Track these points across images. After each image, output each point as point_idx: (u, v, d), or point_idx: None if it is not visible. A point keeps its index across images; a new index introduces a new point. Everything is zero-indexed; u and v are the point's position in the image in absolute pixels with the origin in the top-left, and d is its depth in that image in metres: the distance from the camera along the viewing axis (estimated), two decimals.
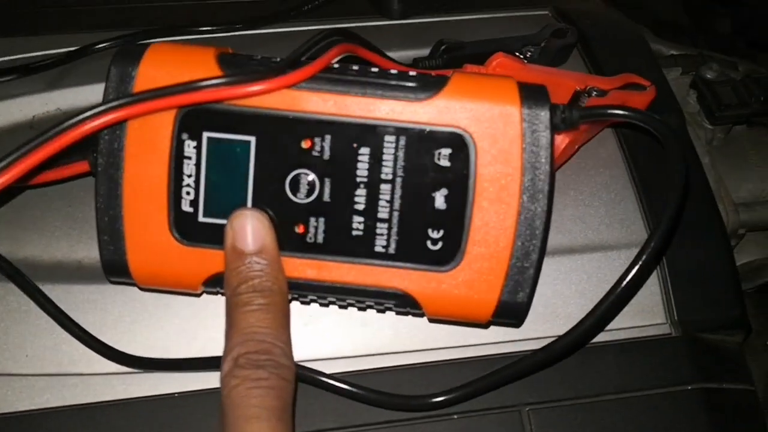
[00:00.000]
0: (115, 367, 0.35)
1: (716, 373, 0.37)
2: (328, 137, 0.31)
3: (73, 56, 0.44)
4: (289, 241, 0.31)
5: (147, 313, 0.36)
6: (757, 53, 0.64)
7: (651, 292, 0.38)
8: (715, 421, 0.36)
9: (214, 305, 0.36)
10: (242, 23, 0.48)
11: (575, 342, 0.32)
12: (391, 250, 0.31)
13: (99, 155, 0.31)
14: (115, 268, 0.32)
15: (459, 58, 0.43)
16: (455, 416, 0.35)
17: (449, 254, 0.31)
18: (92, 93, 0.42)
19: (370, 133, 0.31)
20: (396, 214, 0.31)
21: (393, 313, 0.35)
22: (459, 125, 0.31)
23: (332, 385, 0.34)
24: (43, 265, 0.37)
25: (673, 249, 0.38)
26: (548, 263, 0.37)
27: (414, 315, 0.34)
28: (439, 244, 0.31)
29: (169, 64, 0.31)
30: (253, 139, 0.31)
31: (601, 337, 0.37)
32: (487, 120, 0.31)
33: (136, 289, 0.35)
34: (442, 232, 0.31)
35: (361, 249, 0.31)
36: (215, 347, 0.35)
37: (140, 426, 0.34)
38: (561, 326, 0.37)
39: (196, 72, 0.30)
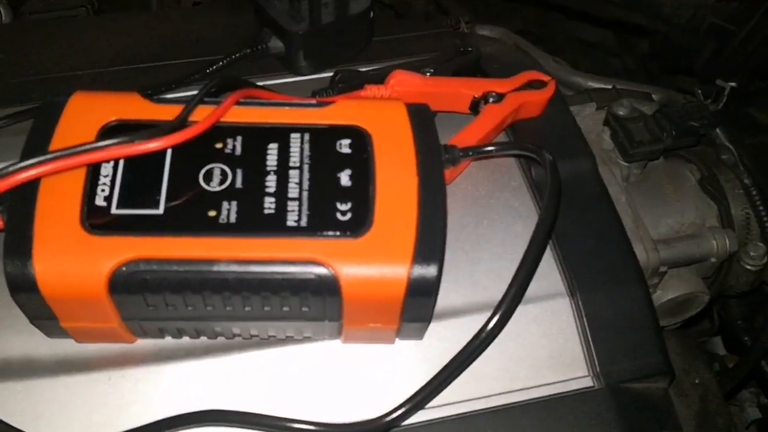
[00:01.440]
0: None
1: (642, 425, 0.37)
2: (239, 138, 0.33)
3: None
4: (203, 225, 0.31)
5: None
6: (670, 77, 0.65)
7: (571, 345, 0.37)
8: None
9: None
10: (150, 89, 0.47)
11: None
12: (303, 223, 0.32)
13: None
14: (21, 281, 0.30)
15: (356, 84, 0.43)
16: None
17: (358, 223, 0.32)
18: None
19: (277, 132, 0.34)
20: (305, 193, 0.32)
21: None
22: (355, 122, 0.34)
23: None
24: None
25: (592, 299, 0.38)
26: None
27: (329, 302, 0.32)
28: (348, 215, 0.32)
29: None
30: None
31: (522, 395, 0.36)
32: (379, 117, 0.35)
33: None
34: (349, 205, 0.32)
35: (274, 225, 0.32)
36: None
37: None
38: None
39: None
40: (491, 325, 0.33)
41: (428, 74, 0.44)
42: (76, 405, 0.34)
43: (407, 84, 0.42)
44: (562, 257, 0.39)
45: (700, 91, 0.53)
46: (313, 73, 0.48)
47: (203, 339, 0.36)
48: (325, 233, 0.31)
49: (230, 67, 0.48)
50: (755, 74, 0.59)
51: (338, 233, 0.31)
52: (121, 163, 0.32)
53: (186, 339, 0.36)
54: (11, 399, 0.34)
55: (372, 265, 0.31)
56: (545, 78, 0.43)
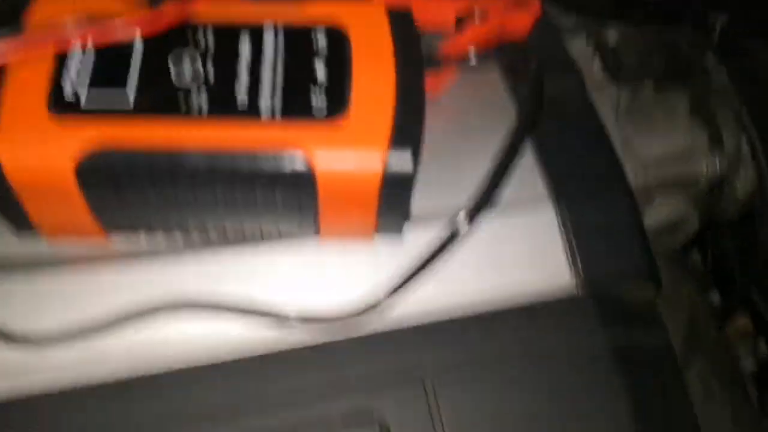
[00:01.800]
0: None
1: (627, 331, 0.36)
2: (212, 31, 0.33)
3: None
4: (173, 113, 0.31)
5: None
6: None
7: (554, 252, 0.37)
8: (627, 378, 0.35)
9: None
10: None
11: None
12: (277, 109, 0.31)
13: None
14: None
15: None
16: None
17: (335, 106, 0.31)
18: None
19: (252, 27, 0.33)
20: (279, 80, 0.32)
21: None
22: (333, 20, 0.34)
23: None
24: None
25: (576, 206, 0.37)
26: None
27: (303, 188, 0.32)
28: (324, 99, 0.31)
29: None
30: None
31: (504, 302, 0.35)
32: (358, 17, 0.34)
33: None
34: (325, 89, 0.32)
35: (246, 112, 0.31)
36: None
37: None
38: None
39: None
40: (460, 216, 0.33)
41: None
42: (49, 301, 0.34)
43: None
44: (547, 166, 0.38)
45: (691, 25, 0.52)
46: None
47: (179, 239, 0.35)
48: (299, 119, 0.31)
49: None
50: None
51: (310, 119, 0.31)
52: (92, 51, 0.32)
53: (160, 237, 0.35)
54: None
55: (347, 149, 0.31)
56: None
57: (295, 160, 0.30)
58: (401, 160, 0.31)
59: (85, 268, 0.35)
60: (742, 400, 0.40)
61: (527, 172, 0.38)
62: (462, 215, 0.34)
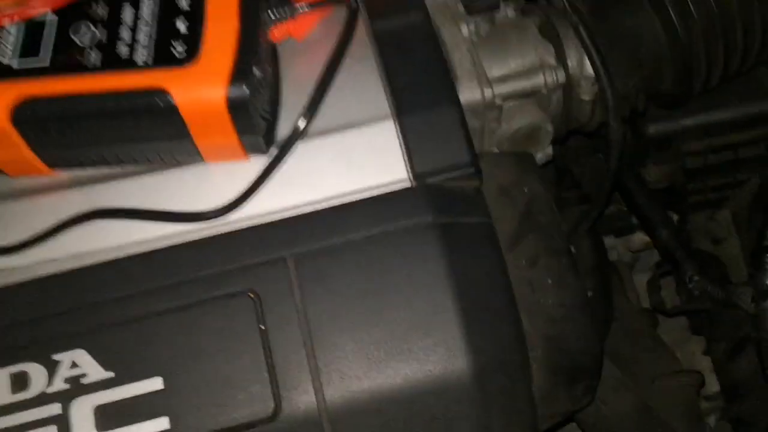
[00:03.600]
0: None
1: (449, 209, 0.45)
2: (103, 3, 0.43)
3: None
4: (74, 69, 0.41)
5: None
6: None
7: (393, 156, 0.46)
8: (448, 251, 0.44)
9: None
10: None
11: None
12: (149, 59, 0.41)
13: None
14: None
15: None
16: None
17: (189, 57, 0.41)
18: None
19: None
20: (152, 39, 0.42)
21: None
22: None
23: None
24: None
25: (411, 118, 0.46)
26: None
27: (174, 120, 0.42)
28: (183, 52, 0.41)
29: None
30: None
31: (351, 197, 0.45)
32: None
33: None
34: (183, 44, 0.42)
35: (126, 63, 0.41)
36: None
37: None
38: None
39: None
40: (300, 126, 0.43)
41: None
42: (11, 221, 0.45)
43: None
44: (390, 87, 0.47)
45: None
46: None
47: (103, 169, 0.47)
48: (162, 66, 0.41)
49: None
50: None
51: (173, 65, 0.41)
52: (15, 27, 0.43)
53: (90, 170, 0.46)
54: None
55: (197, 86, 0.41)
56: None
57: (164, 97, 0.41)
58: (239, 91, 0.41)
59: (36, 194, 0.46)
60: (566, 268, 0.48)
61: (373, 92, 0.48)
62: (300, 116, 0.44)
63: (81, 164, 0.46)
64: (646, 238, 0.76)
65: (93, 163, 0.46)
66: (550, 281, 0.48)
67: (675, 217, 0.72)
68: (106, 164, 0.46)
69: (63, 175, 0.47)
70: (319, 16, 0.50)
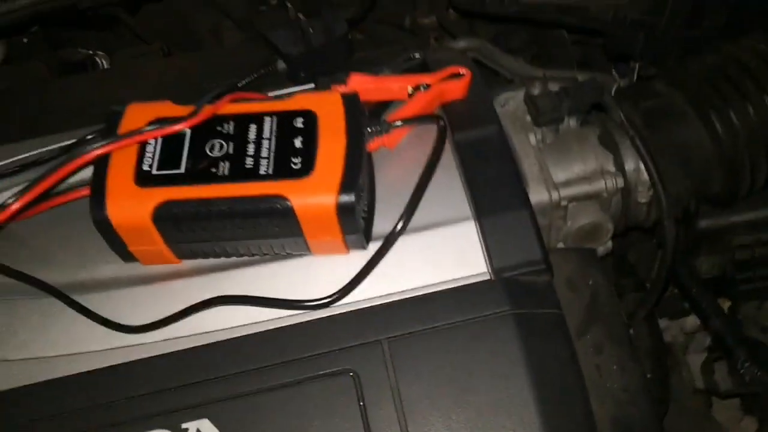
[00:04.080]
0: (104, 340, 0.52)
1: (525, 301, 0.51)
2: (231, 121, 0.52)
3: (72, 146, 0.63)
4: (207, 178, 0.49)
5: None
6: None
7: (474, 252, 0.53)
8: (524, 339, 0.50)
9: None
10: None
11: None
12: (270, 172, 0.49)
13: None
14: (99, 221, 0.49)
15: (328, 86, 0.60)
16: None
17: (306, 170, 0.49)
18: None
19: (256, 116, 0.52)
20: (273, 153, 0.50)
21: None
22: (307, 107, 0.52)
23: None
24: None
25: (489, 218, 0.53)
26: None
27: (291, 222, 0.49)
28: (300, 165, 0.49)
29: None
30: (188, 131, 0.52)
31: (438, 287, 0.52)
32: (323, 103, 0.52)
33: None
34: (300, 159, 0.49)
35: (252, 174, 0.49)
36: None
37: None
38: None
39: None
40: (397, 229, 0.50)
41: (381, 75, 0.60)
42: (145, 304, 0.53)
43: (360, 82, 0.58)
44: (470, 191, 0.54)
45: (614, 71, 0.67)
46: (308, 83, 0.66)
47: (223, 259, 0.54)
48: (283, 177, 0.49)
49: (253, 83, 0.67)
50: (684, 51, 0.73)
51: (292, 176, 0.49)
52: (159, 142, 0.51)
53: (212, 260, 0.54)
54: (109, 302, 0.53)
55: (313, 196, 0.48)
56: (462, 70, 0.58)
57: (283, 203, 0.48)
58: (347, 198, 0.48)
59: (165, 280, 0.54)
60: (628, 354, 0.54)
61: (456, 196, 0.54)
62: (400, 219, 0.51)
63: (205, 255, 0.54)
64: (698, 321, 0.80)
65: (215, 255, 0.54)
66: (615, 367, 0.53)
67: (726, 303, 0.77)
68: (226, 256, 0.54)
69: (188, 263, 0.54)
70: (408, 128, 0.57)
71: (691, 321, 0.83)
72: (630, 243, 0.76)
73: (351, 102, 0.52)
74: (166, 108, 0.53)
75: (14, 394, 0.51)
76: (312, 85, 0.65)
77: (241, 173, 0.50)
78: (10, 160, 0.63)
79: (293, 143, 0.50)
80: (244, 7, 1.01)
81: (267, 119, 0.52)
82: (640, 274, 0.74)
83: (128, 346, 0.52)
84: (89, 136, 0.59)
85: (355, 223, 0.50)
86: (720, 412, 0.79)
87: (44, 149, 0.62)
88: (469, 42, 0.80)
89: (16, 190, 0.51)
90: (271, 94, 0.62)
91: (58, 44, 0.99)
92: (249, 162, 0.50)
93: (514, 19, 0.81)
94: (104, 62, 0.93)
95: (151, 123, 0.52)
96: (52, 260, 0.55)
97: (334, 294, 0.51)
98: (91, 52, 0.92)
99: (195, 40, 1.04)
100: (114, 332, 0.52)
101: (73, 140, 0.61)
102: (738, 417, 0.81)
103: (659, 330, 0.72)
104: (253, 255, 0.54)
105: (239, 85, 0.66)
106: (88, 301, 0.53)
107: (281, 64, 0.67)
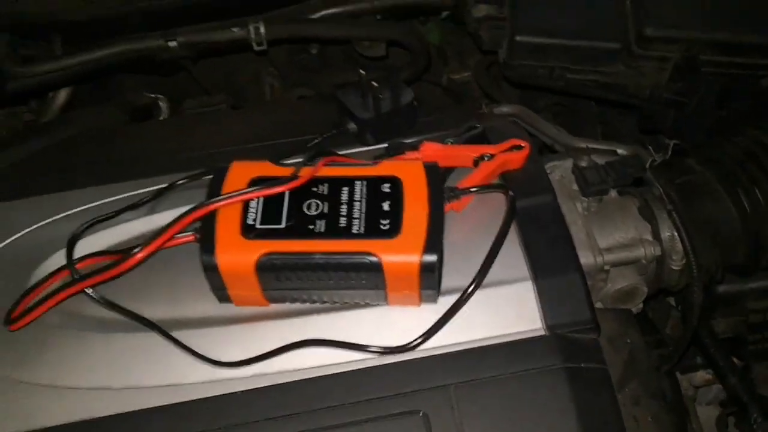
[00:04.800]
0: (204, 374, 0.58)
1: (575, 356, 0.58)
2: (326, 184, 0.58)
3: (163, 191, 0.69)
4: (305, 234, 0.56)
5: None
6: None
7: (530, 309, 0.60)
8: (574, 391, 0.57)
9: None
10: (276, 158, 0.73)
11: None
12: (362, 231, 0.56)
13: None
14: (209, 266, 0.56)
15: (401, 151, 0.67)
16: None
17: (393, 231, 0.56)
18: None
19: (348, 180, 0.59)
20: (363, 214, 0.56)
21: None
22: (393, 173, 0.58)
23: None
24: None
25: (544, 280, 0.60)
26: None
27: (377, 277, 0.56)
28: (388, 226, 0.56)
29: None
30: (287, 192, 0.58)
31: (499, 340, 0.59)
32: (407, 170, 0.59)
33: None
34: (388, 221, 0.56)
35: (345, 232, 0.56)
36: None
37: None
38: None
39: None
40: (470, 289, 0.57)
41: (448, 143, 0.68)
42: (237, 341, 0.59)
43: (432, 150, 0.65)
44: (528, 254, 0.61)
45: (650, 147, 0.75)
46: (376, 145, 0.73)
47: (308, 304, 0.61)
48: (373, 237, 0.56)
49: (324, 142, 0.74)
50: (711, 130, 0.81)
51: (381, 237, 0.56)
52: (261, 199, 0.58)
53: (298, 304, 0.61)
54: (205, 339, 0.59)
55: (400, 254, 0.55)
56: (523, 143, 0.66)
57: (371, 259, 0.55)
58: (430, 258, 0.55)
59: (255, 321, 0.60)
60: (661, 407, 0.60)
61: (515, 258, 0.62)
62: (472, 283, 0.58)
63: (292, 301, 0.60)
64: (707, 376, 0.87)
65: (303, 301, 0.60)
66: (650, 419, 0.60)
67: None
68: (311, 302, 0.60)
69: (275, 306, 0.61)
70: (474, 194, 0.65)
71: (700, 375, 0.89)
72: (651, 304, 0.83)
73: (432, 170, 0.59)
74: (266, 168, 0.60)
75: (118, 419, 0.57)
76: (380, 146, 0.72)
77: (336, 231, 0.56)
78: (101, 201, 0.70)
79: (381, 206, 0.57)
80: (285, 54, 1.08)
81: (357, 183, 0.58)
82: (661, 334, 0.81)
83: (221, 380, 0.58)
84: (180, 182, 0.67)
85: (434, 280, 0.57)
86: None
87: (137, 192, 0.69)
88: (511, 108, 0.88)
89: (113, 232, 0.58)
90: (342, 152, 0.69)
91: (118, 88, 1.07)
92: (342, 221, 0.57)
93: (561, 92, 0.89)
94: (165, 106, 1.00)
95: (253, 181, 0.59)
96: (154, 299, 0.62)
97: (416, 339, 0.57)
98: (153, 95, 1.00)
99: (237, 87, 1.11)
100: (210, 366, 0.58)
101: (164, 185, 0.68)
102: None
103: (678, 383, 0.79)
104: (334, 302, 0.60)
105: (311, 144, 0.73)
106: (185, 337, 0.60)
107: (351, 126, 0.74)
